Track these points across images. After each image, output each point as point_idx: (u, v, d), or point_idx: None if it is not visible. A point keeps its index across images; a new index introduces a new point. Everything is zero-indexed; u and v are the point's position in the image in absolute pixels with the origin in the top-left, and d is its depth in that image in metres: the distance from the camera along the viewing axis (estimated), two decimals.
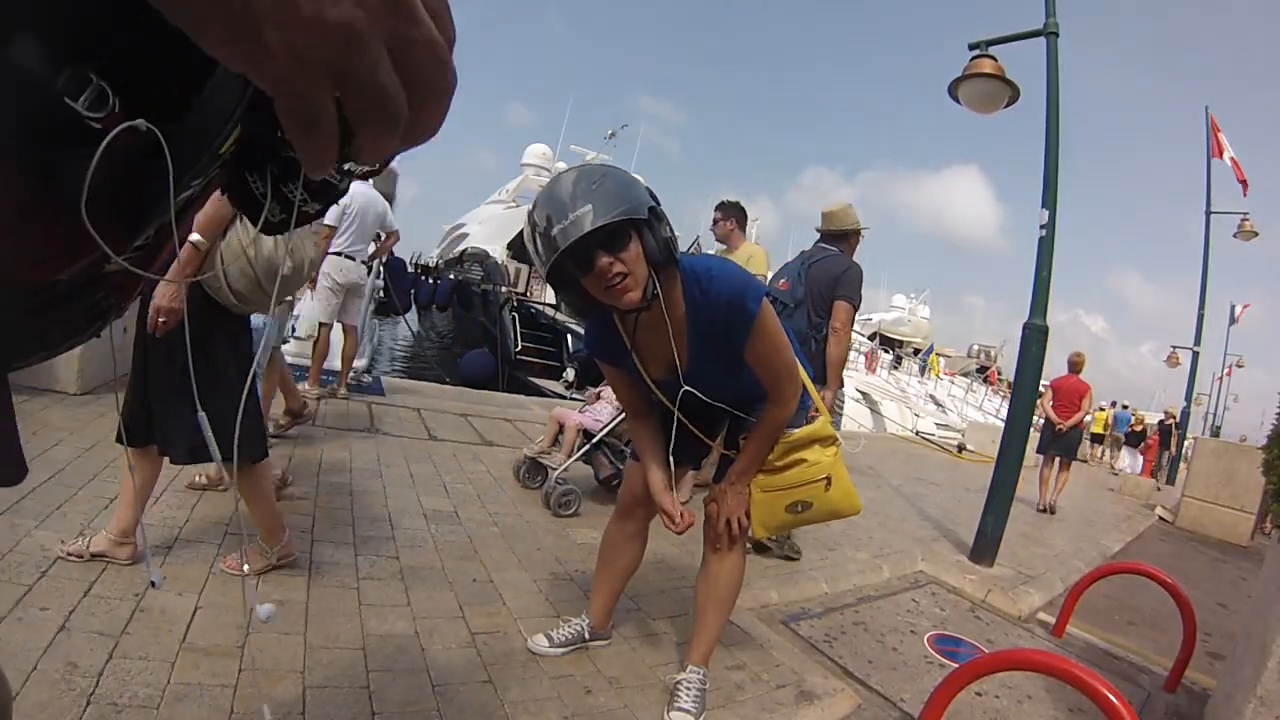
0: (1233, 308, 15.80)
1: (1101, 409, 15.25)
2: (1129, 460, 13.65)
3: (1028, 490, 6.16)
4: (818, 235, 3.37)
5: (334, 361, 4.80)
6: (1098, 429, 14.76)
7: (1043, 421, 6.55)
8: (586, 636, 1.92)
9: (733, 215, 3.77)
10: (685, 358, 1.54)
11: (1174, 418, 12.95)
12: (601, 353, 1.63)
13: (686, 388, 1.56)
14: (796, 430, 1.67)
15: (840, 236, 3.31)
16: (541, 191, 1.33)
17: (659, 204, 1.35)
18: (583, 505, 3.11)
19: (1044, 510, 6.27)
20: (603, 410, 3.40)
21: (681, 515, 1.62)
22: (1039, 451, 6.51)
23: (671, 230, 1.37)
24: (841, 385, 3.24)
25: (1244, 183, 10.93)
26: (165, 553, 1.95)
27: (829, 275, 3.10)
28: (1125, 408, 15.67)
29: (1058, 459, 6.38)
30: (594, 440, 3.23)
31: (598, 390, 3.61)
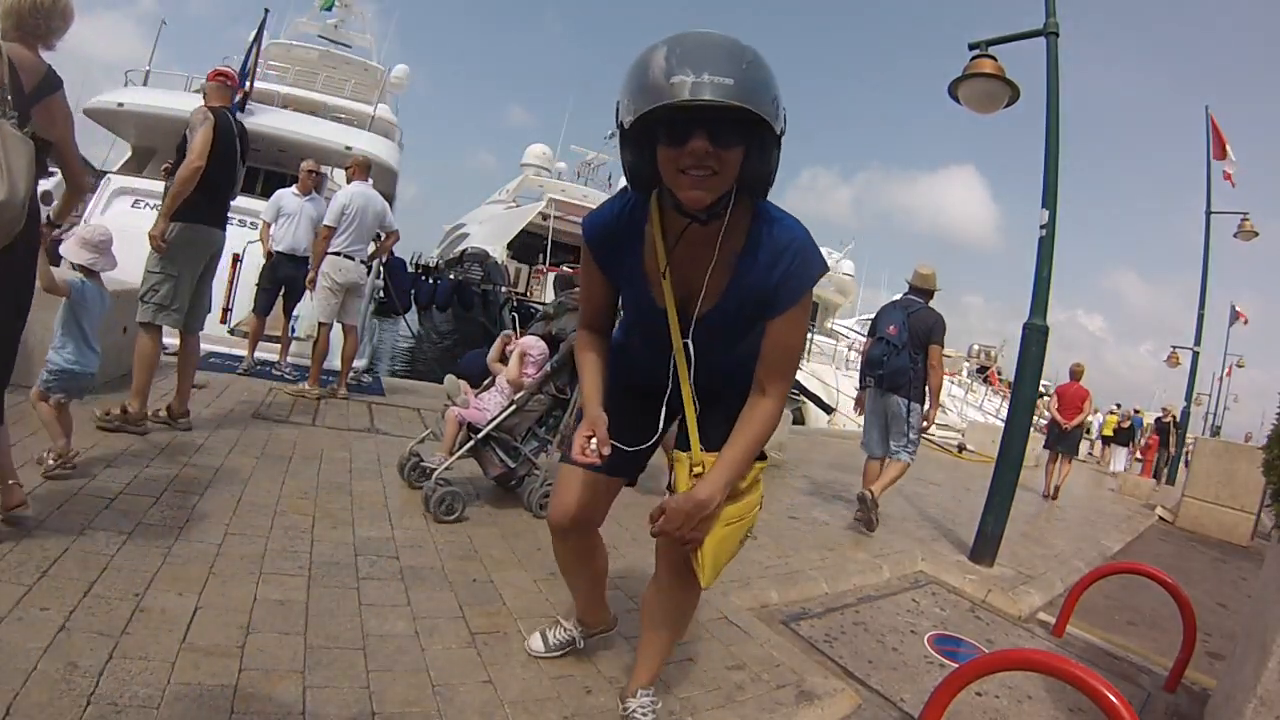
0: (1233, 308, 15.77)
1: (1112, 413, 15.35)
2: (1123, 460, 13.48)
3: (1032, 487, 6.87)
4: (908, 287, 4.42)
5: (334, 361, 4.81)
6: (1107, 432, 14.90)
7: (1048, 422, 7.77)
8: (579, 643, 1.83)
9: None
10: (711, 299, 1.30)
11: (1173, 415, 12.84)
12: (601, 237, 1.36)
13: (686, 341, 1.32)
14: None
15: (928, 293, 4.31)
16: (684, 33, 1.08)
17: (786, 123, 1.12)
18: (473, 507, 2.83)
19: (1048, 496, 7.33)
20: (490, 400, 3.09)
21: (607, 443, 1.26)
22: (1045, 448, 7.76)
23: (778, 163, 1.16)
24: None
25: (1229, 177, 11.04)
26: (166, 552, 1.95)
27: (925, 325, 4.10)
28: (1137, 412, 15.61)
29: (1061, 454, 7.48)
30: (480, 435, 2.91)
31: (488, 380, 3.29)
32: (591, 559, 1.69)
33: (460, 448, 2.92)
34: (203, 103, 3.31)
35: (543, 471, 3.02)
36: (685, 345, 1.33)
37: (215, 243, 3.29)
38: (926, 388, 4.12)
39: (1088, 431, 14.63)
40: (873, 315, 4.63)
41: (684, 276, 1.30)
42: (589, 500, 1.52)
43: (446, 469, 2.82)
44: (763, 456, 1.37)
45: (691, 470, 1.32)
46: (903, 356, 4.07)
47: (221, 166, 3.20)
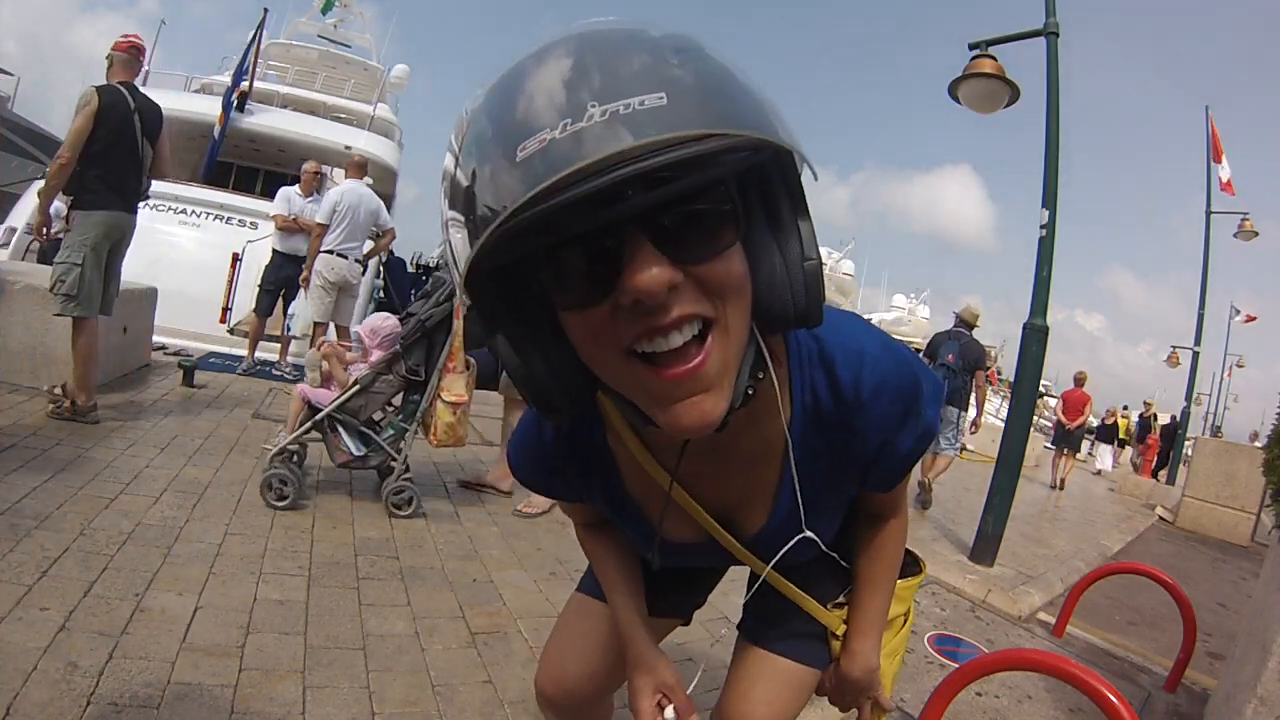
0: (1233, 307, 15.75)
1: (1125, 416, 15.60)
2: (1107, 459, 13.05)
3: (1033, 487, 6.89)
4: (955, 319, 5.38)
5: None
6: (1120, 435, 15.15)
7: (1054, 423, 9.03)
8: None
9: None
10: (760, 517, 0.79)
11: (1154, 411, 12.61)
12: (543, 484, 0.87)
13: (769, 567, 0.83)
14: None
15: (972, 326, 5.30)
16: (543, 46, 0.47)
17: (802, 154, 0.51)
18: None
19: (1055, 487, 8.34)
20: (354, 374, 2.73)
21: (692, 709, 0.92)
22: (1053, 445, 9.01)
23: (816, 240, 0.54)
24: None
25: (1227, 187, 11.10)
26: (165, 552, 1.95)
27: (974, 354, 5.14)
28: (1125, 409, 15.60)
29: (1065, 450, 8.62)
30: (318, 415, 2.61)
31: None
32: None
33: (302, 427, 2.64)
34: (108, 77, 3.13)
35: (400, 464, 2.67)
36: (776, 555, 0.81)
37: (121, 227, 3.13)
38: (973, 399, 5.28)
39: (1089, 432, 14.84)
40: (871, 315, 5.16)
41: (708, 494, 0.78)
42: (599, 660, 1.00)
43: (280, 452, 2.54)
44: (916, 570, 1.05)
45: (834, 630, 0.95)
46: (959, 378, 5.10)
47: (117, 148, 3.04)
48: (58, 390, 3.00)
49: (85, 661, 1.41)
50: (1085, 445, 11.39)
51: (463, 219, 0.46)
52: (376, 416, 2.77)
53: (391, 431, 2.73)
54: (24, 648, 1.40)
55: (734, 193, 0.49)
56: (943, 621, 2.97)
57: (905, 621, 1.04)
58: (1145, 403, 12.75)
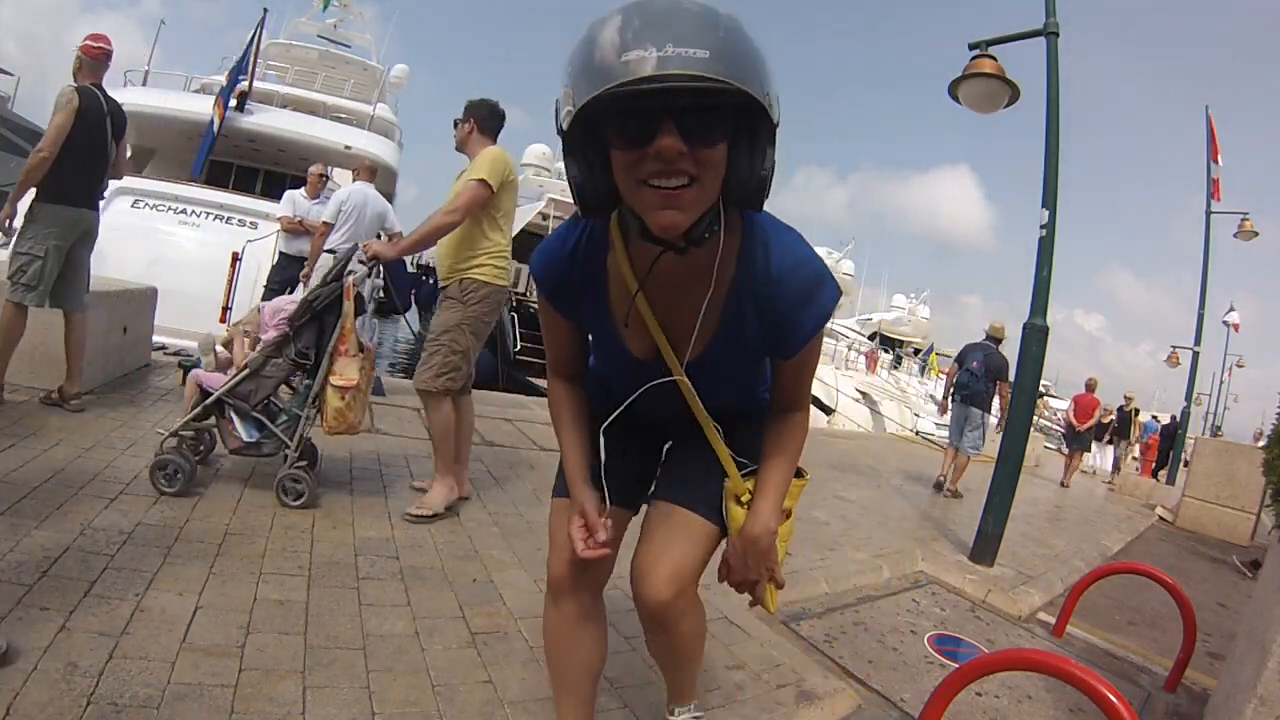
0: (1224, 321, 15.64)
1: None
2: (1107, 459, 12.81)
3: (1033, 486, 6.85)
4: (984, 335, 6.26)
5: None
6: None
7: (1065, 425, 9.81)
8: None
9: (472, 116, 2.90)
10: (699, 345, 1.06)
11: (1135, 406, 12.35)
12: (555, 281, 1.08)
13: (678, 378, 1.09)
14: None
15: (998, 340, 6.13)
16: (639, 1, 0.77)
17: (778, 112, 0.81)
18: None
19: (1064, 485, 8.91)
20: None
21: (605, 526, 1.09)
22: (1066, 446, 9.77)
23: (774, 163, 0.86)
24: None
25: (1216, 189, 11.14)
26: (165, 552, 1.95)
27: (997, 364, 5.93)
28: (1155, 419, 15.60)
29: (1076, 450, 9.37)
30: (210, 399, 2.52)
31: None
32: (589, 633, 1.25)
33: (193, 411, 2.57)
34: (75, 79, 3.18)
35: (294, 451, 2.55)
36: (696, 381, 1.11)
37: (83, 222, 3.20)
38: (996, 405, 6.12)
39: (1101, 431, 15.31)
40: (872, 315, 5.44)
41: (663, 317, 1.05)
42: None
43: (171, 436, 2.48)
44: (800, 474, 1.21)
45: (739, 498, 1.16)
46: (981, 383, 5.93)
47: (88, 148, 3.13)
48: (54, 394, 3.08)
49: (85, 661, 1.41)
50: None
51: (573, 88, 0.78)
52: (281, 402, 2.68)
53: (285, 418, 2.61)
54: (24, 648, 1.40)
55: (730, 117, 0.81)
56: (943, 621, 2.97)
57: (790, 516, 1.21)
58: (1126, 396, 12.40)
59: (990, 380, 5.90)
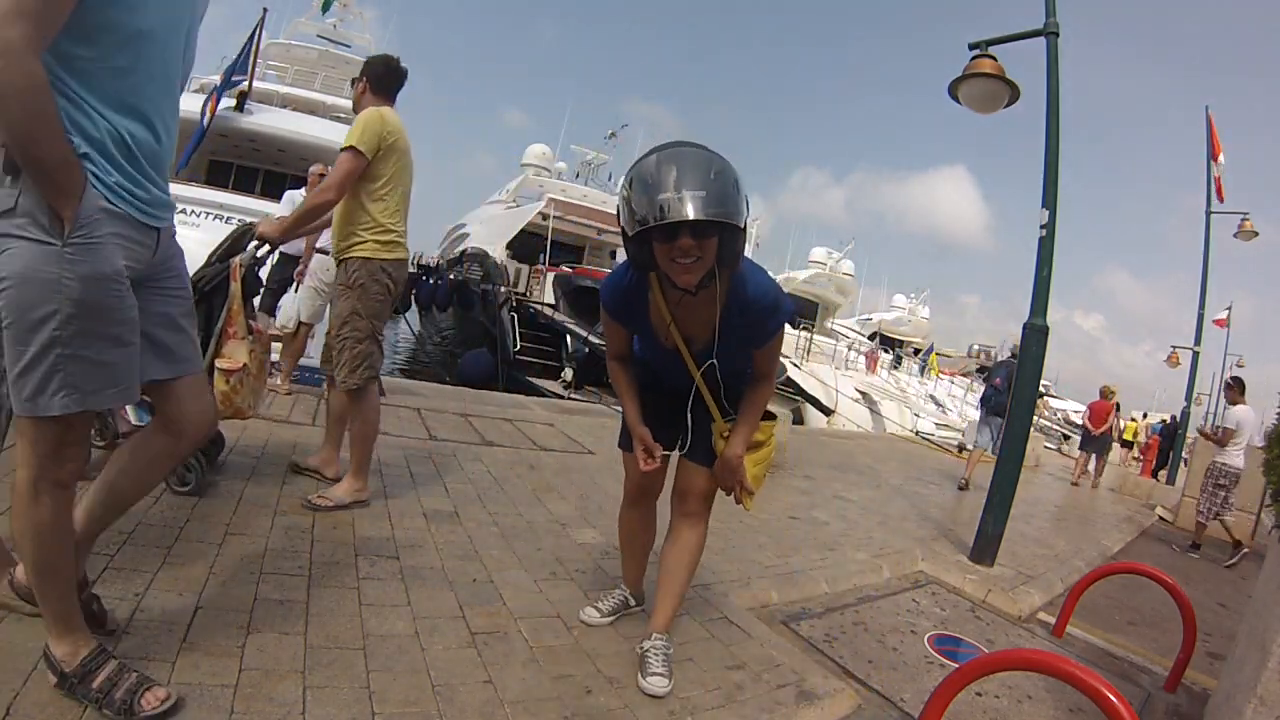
0: (1225, 310, 15.61)
1: (1133, 420, 17.03)
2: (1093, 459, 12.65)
3: (1034, 486, 6.93)
4: (1009, 353, 7.21)
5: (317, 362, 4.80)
6: (1128, 436, 16.28)
7: (1082, 429, 10.29)
8: (631, 603, 2.19)
9: (365, 74, 2.75)
10: (704, 342, 1.73)
11: (1116, 401, 11.97)
12: (616, 305, 1.78)
13: (714, 360, 1.75)
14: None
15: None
16: (665, 150, 1.44)
17: (748, 216, 1.49)
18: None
19: (1076, 484, 9.33)
20: None
21: (657, 450, 1.79)
22: (1080, 449, 10.18)
23: (744, 243, 1.54)
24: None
25: (1219, 188, 11.12)
26: (165, 552, 1.95)
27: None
28: (1163, 422, 15.60)
29: (1092, 453, 9.73)
30: None
31: None
32: (647, 529, 2.12)
33: None
34: None
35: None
36: (703, 365, 1.76)
37: None
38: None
39: (1129, 446, 16.01)
40: (872, 315, 5.61)
41: (684, 326, 1.74)
42: (651, 475, 1.93)
43: None
44: (771, 417, 1.88)
45: (721, 435, 1.82)
46: (1003, 396, 6.46)
47: None
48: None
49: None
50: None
51: (632, 216, 1.46)
52: None
53: None
54: (24, 648, 1.40)
55: (719, 225, 1.44)
56: (943, 621, 2.97)
57: (767, 445, 1.89)
58: (1107, 390, 11.99)
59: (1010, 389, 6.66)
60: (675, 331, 1.72)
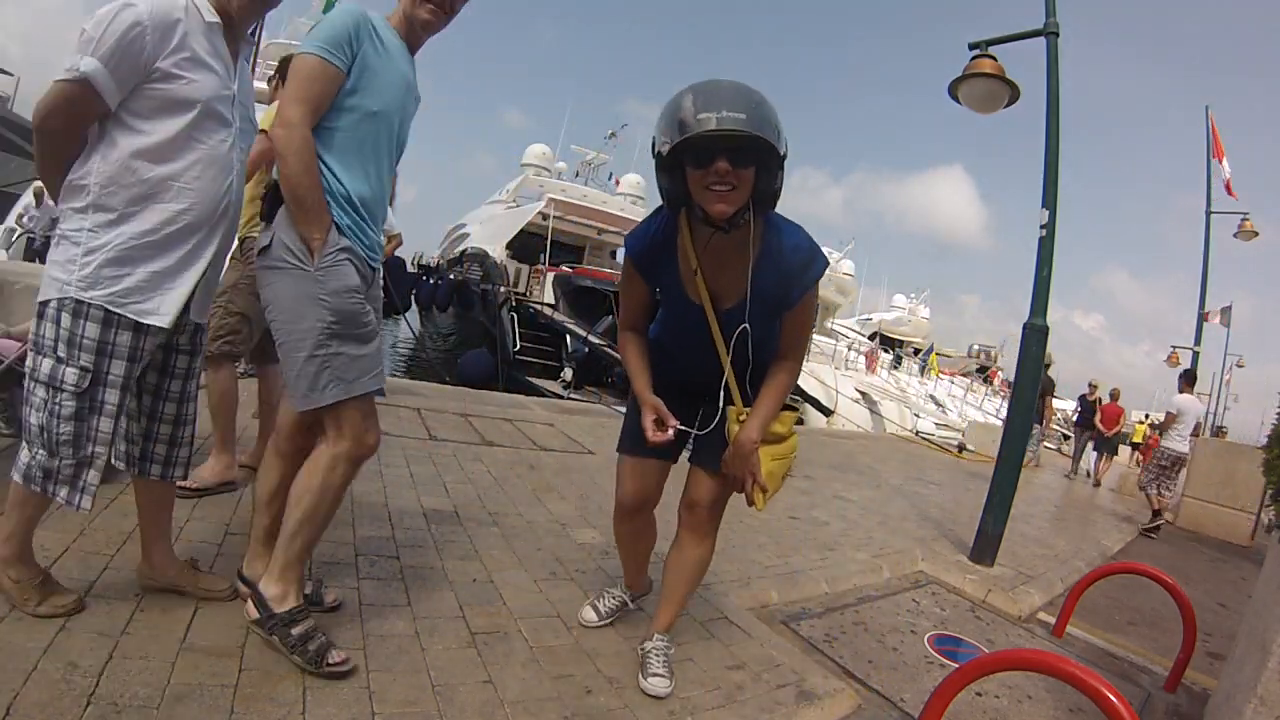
0: (1223, 310, 15.54)
1: (1141, 423, 17.90)
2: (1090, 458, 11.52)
3: (1035, 486, 7.06)
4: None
5: None
6: (1136, 438, 17.06)
7: (1094, 431, 10.69)
8: (629, 604, 2.14)
9: (280, 72, 2.78)
10: (734, 297, 1.59)
11: (1099, 396, 11.70)
12: (641, 251, 1.65)
13: (745, 325, 1.59)
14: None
15: (1046, 365, 6.61)
16: (703, 81, 1.38)
17: (785, 154, 1.42)
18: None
19: (1096, 484, 9.94)
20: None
21: (670, 420, 1.60)
22: (1094, 450, 10.75)
23: (782, 181, 1.46)
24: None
25: (1228, 186, 11.11)
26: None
27: (1042, 384, 6.34)
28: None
29: (1104, 453, 10.38)
30: (3, 365, 2.38)
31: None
32: (645, 535, 2.01)
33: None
34: None
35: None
36: (721, 325, 1.62)
37: None
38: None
39: (1137, 448, 16.54)
40: (872, 315, 5.66)
41: (712, 279, 1.60)
42: (648, 483, 1.86)
43: None
44: (793, 408, 1.71)
45: (738, 419, 1.65)
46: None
47: None
48: None
49: (85, 661, 1.41)
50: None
51: (667, 133, 1.38)
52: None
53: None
54: (24, 648, 1.40)
55: (756, 152, 1.38)
56: (943, 621, 2.97)
57: (787, 440, 1.71)
58: (1091, 384, 11.67)
59: (1038, 397, 7.07)
60: (702, 284, 1.58)
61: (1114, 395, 10.54)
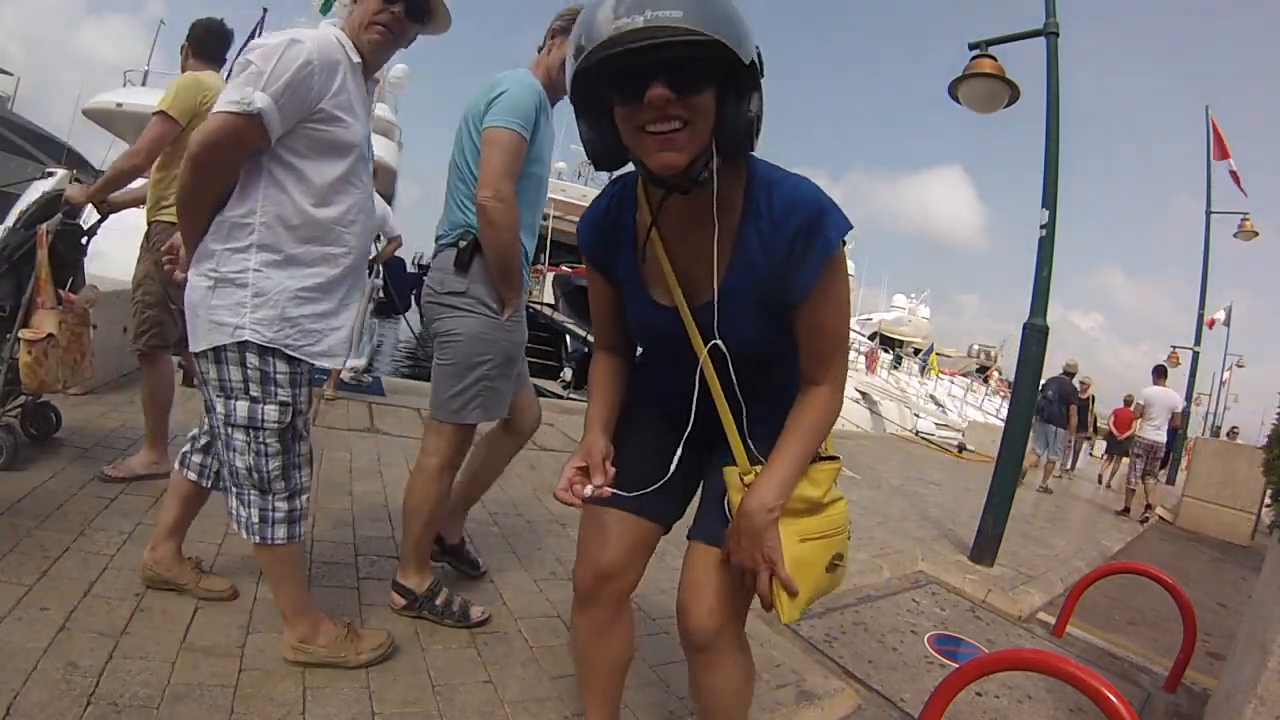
0: (1222, 310, 15.56)
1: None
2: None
3: (1034, 487, 7.11)
4: (1062, 371, 8.34)
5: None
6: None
7: (1107, 434, 11.01)
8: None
9: (188, 39, 2.65)
10: (719, 280, 1.04)
11: (1091, 393, 11.67)
12: (593, 240, 1.18)
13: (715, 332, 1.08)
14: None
15: (1071, 374, 8.33)
16: None
17: (762, 63, 0.92)
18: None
19: (1107, 487, 10.13)
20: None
21: (605, 470, 1.11)
22: (1106, 453, 11.19)
23: (761, 107, 0.94)
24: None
25: (1237, 181, 11.09)
26: None
27: (1066, 391, 8.04)
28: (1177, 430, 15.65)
29: (1116, 455, 10.35)
30: None
31: None
32: (614, 638, 1.28)
33: None
34: None
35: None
36: (703, 333, 1.08)
37: None
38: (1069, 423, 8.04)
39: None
40: (873, 315, 5.77)
41: (684, 267, 1.08)
42: (611, 550, 1.22)
43: None
44: (833, 458, 1.15)
45: (742, 482, 1.08)
46: (1054, 406, 7.91)
47: None
48: None
49: (85, 661, 1.41)
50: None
51: (575, 55, 0.89)
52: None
53: None
54: (24, 648, 1.40)
55: (713, 69, 0.88)
56: (943, 621, 2.97)
57: (829, 509, 1.10)
58: (1082, 383, 11.59)
59: (1063, 403, 7.90)
60: (669, 272, 1.08)
61: (1127, 401, 10.63)
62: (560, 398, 10.00)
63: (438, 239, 1.89)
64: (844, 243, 1.01)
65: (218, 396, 1.45)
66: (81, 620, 1.54)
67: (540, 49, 1.91)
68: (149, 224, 2.58)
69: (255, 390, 1.44)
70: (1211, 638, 3.46)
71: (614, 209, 1.15)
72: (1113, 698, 1.37)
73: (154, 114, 2.41)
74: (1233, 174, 11.11)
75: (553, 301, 14.60)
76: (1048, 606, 3.46)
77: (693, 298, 1.08)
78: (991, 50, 4.05)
